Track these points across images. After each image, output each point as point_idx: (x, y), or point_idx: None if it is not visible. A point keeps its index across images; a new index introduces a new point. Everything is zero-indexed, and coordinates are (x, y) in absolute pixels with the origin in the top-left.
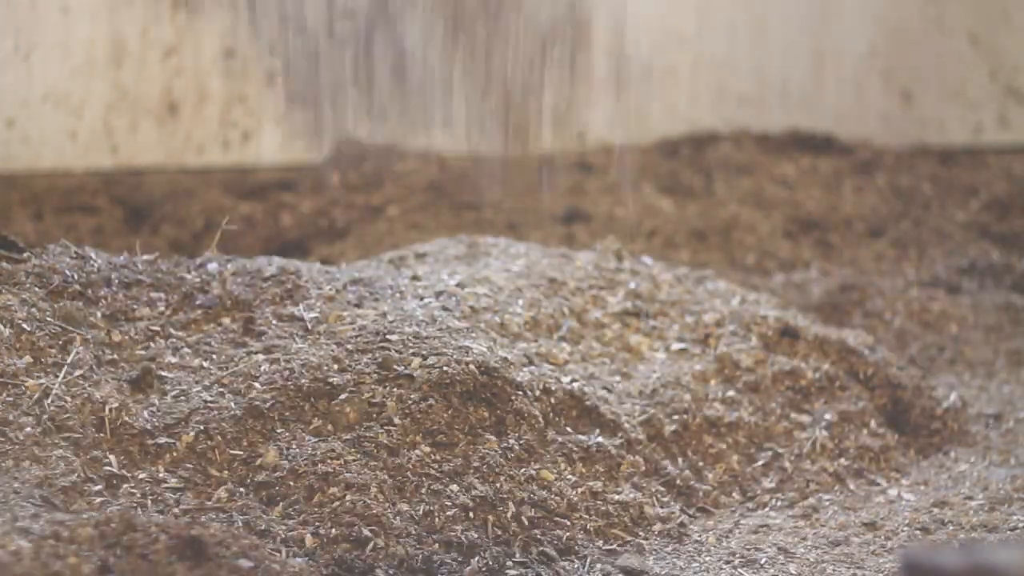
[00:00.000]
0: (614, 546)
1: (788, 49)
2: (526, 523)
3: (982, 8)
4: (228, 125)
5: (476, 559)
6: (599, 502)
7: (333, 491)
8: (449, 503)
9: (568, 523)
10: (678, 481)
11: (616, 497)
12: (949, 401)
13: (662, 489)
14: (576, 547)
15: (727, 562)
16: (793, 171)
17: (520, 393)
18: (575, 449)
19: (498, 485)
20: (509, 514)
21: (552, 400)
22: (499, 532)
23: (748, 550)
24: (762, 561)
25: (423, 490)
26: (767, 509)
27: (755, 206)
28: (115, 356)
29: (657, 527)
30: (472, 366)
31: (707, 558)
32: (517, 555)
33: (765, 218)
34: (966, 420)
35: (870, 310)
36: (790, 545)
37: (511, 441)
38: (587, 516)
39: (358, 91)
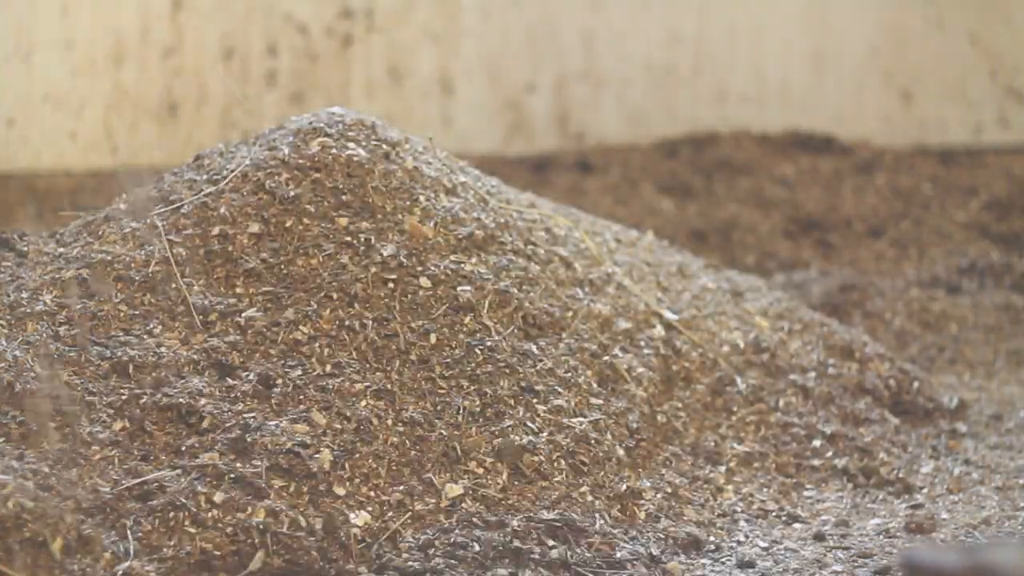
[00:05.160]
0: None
1: (788, 49)
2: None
3: (982, 8)
4: (228, 125)
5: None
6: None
7: None
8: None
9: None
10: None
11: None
12: (950, 401)
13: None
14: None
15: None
16: (793, 171)
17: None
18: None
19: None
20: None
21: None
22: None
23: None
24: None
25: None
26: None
27: (755, 206)
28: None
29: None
30: None
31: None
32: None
33: (765, 218)
34: (966, 420)
35: (870, 310)
36: (791, 539)
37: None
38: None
39: (357, 90)
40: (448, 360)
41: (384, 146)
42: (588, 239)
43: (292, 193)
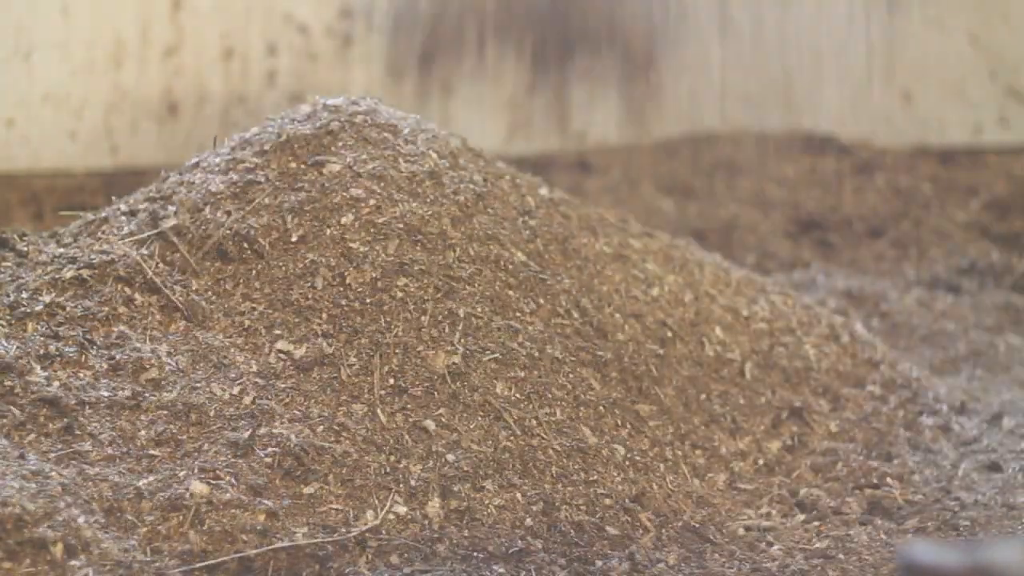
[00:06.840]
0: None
1: (788, 49)
2: None
3: (982, 8)
4: (228, 125)
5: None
6: None
7: None
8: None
9: None
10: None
11: None
12: (949, 401)
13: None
14: None
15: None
16: (793, 171)
17: None
18: None
19: None
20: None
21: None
22: None
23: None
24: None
25: None
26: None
27: (755, 206)
28: None
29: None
30: None
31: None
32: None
33: (765, 218)
34: (967, 420)
35: (870, 310)
36: (793, 538)
37: None
38: None
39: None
40: (451, 363)
41: (384, 133)
42: None
43: (293, 194)
